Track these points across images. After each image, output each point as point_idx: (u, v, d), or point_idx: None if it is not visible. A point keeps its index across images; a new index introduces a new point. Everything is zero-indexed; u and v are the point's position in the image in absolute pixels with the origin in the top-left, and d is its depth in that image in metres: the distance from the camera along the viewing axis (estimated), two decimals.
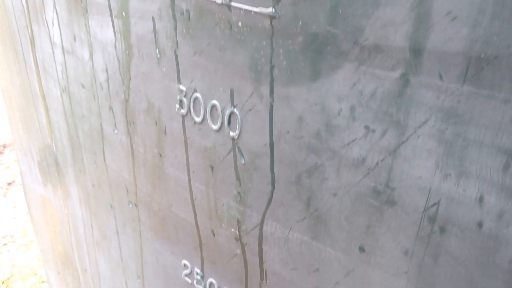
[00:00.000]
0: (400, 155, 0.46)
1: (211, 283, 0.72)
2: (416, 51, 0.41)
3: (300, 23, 0.47)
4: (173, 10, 0.57)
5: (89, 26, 0.72)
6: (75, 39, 0.77)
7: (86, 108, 0.81)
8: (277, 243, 0.61)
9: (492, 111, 0.39)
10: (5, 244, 3.29)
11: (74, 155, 0.93)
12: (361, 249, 0.53)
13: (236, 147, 0.59)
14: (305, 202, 0.55)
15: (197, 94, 0.59)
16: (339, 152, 0.50)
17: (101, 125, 0.80)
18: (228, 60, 0.54)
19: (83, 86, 0.79)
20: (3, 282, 2.96)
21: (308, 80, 0.49)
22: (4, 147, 4.43)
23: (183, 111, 0.62)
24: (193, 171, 0.66)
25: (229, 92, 0.56)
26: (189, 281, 0.76)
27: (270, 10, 0.48)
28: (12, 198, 3.77)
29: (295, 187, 0.55)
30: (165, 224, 0.75)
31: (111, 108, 0.75)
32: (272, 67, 0.51)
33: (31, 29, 0.91)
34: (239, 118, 0.56)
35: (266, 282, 0.64)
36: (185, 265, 0.75)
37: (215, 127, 0.59)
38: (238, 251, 0.66)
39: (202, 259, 0.72)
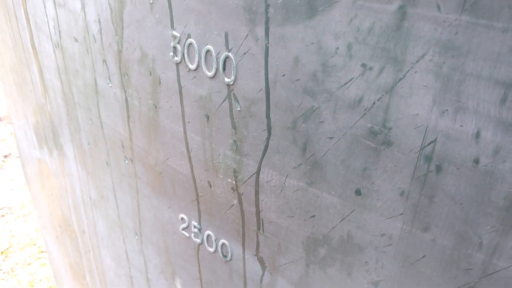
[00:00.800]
0: (397, 93, 0.45)
1: (208, 235, 0.73)
2: None
3: None
4: None
5: None
6: None
7: (80, 63, 0.80)
8: (273, 191, 0.61)
9: (490, 41, 0.39)
10: (3, 216, 3.30)
11: (69, 113, 0.92)
12: (357, 193, 0.53)
13: (232, 93, 0.58)
14: (301, 148, 0.55)
15: (191, 40, 0.58)
16: (335, 93, 0.49)
17: (95, 79, 0.79)
18: (222, 2, 0.53)
19: (76, 40, 0.78)
20: (2, 252, 2.99)
21: (304, 18, 0.48)
22: (0, 120, 4.40)
23: (177, 58, 0.61)
24: (189, 122, 0.65)
25: (223, 35, 0.55)
26: (187, 234, 0.77)
27: None
28: (9, 170, 3.77)
29: (291, 133, 0.55)
30: (162, 178, 0.75)
31: (104, 61, 0.74)
32: (267, 6, 0.50)
33: None
34: (234, 63, 0.55)
35: (263, 230, 0.64)
36: (182, 219, 0.76)
37: (209, 73, 0.58)
38: (235, 201, 0.66)
39: (199, 212, 0.72)
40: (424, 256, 0.51)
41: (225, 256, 0.72)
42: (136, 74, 0.69)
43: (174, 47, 0.60)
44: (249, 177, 0.62)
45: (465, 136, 0.43)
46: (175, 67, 0.62)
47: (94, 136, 0.87)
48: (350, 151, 0.51)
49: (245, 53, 0.54)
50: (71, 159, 1.01)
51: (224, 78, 0.57)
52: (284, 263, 0.64)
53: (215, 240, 0.72)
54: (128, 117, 0.75)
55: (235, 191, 0.65)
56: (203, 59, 0.58)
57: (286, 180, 0.58)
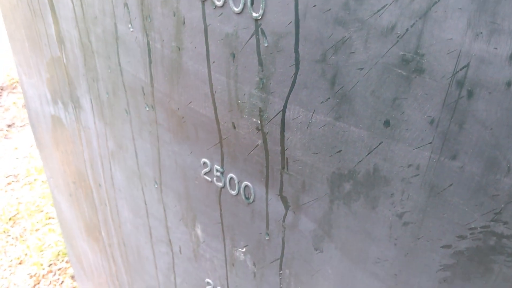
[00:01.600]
0: (431, 18, 0.45)
1: (231, 178, 0.74)
2: None
3: None
4: None
5: None
6: None
7: (99, 9, 0.80)
8: (299, 128, 0.61)
9: None
10: (9, 184, 3.33)
11: (87, 63, 0.92)
12: (386, 124, 0.53)
13: (259, 29, 0.58)
14: (330, 81, 0.55)
15: None
16: (367, 21, 0.49)
17: (115, 25, 0.78)
18: None
19: None
20: (10, 219, 3.03)
21: None
22: (2, 89, 4.39)
23: None
24: (213, 62, 0.65)
25: None
26: (209, 179, 0.78)
27: None
28: (13, 139, 3.78)
29: (320, 66, 0.55)
30: (184, 123, 0.76)
31: (125, 5, 0.73)
32: None
33: None
34: None
35: (287, 169, 0.66)
36: (204, 163, 0.77)
37: (237, 9, 0.59)
38: (260, 141, 0.67)
39: (222, 155, 0.73)
40: (451, 185, 0.52)
41: (247, 198, 0.74)
42: (159, 16, 0.69)
43: None
44: (275, 115, 0.63)
45: (498, 59, 0.44)
46: (200, 5, 0.62)
47: (113, 84, 0.87)
48: (380, 81, 0.52)
49: None
50: (88, 111, 1.02)
51: (252, 13, 0.57)
52: (308, 201, 0.66)
53: (238, 182, 0.73)
54: (150, 62, 0.75)
55: (260, 131, 0.66)
56: None
57: (313, 116, 0.59)
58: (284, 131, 0.63)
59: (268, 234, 0.74)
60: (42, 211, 3.08)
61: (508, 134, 0.46)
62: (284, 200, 0.69)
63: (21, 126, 3.93)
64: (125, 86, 0.84)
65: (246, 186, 0.73)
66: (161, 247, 1.00)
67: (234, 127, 0.69)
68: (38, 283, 2.58)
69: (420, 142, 0.52)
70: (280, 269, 0.76)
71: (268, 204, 0.71)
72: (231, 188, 0.75)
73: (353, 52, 0.52)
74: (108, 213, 1.16)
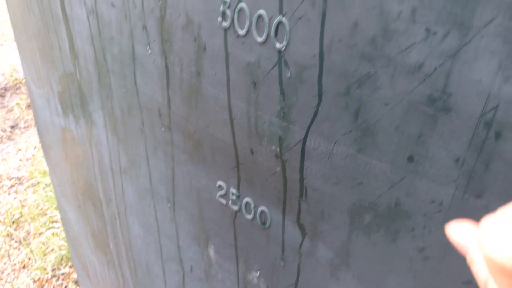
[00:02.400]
0: (460, 58, 0.45)
1: (247, 203, 0.74)
2: None
3: None
4: None
5: None
6: None
7: (117, 30, 0.80)
8: (320, 158, 0.61)
9: None
10: (12, 186, 3.33)
11: (101, 81, 0.92)
12: (410, 159, 0.53)
13: (282, 59, 0.58)
14: (353, 114, 0.55)
15: (243, 4, 0.58)
16: (395, 58, 0.49)
17: (132, 46, 0.78)
18: None
19: (113, 6, 0.78)
20: (13, 222, 3.03)
21: None
22: (5, 90, 4.39)
23: (226, 24, 0.61)
24: (234, 89, 0.65)
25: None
26: (224, 202, 0.78)
27: None
28: (16, 141, 3.78)
29: (344, 99, 0.55)
30: (201, 146, 0.76)
31: (144, 27, 0.73)
32: None
33: None
34: (287, 27, 0.55)
35: (306, 198, 0.65)
36: (220, 186, 0.76)
37: (260, 39, 0.58)
38: (278, 168, 0.66)
39: (238, 179, 0.73)
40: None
41: (263, 224, 0.73)
42: (179, 40, 0.68)
43: (223, 12, 0.60)
44: (295, 144, 0.62)
45: None
46: (222, 33, 0.62)
47: (128, 103, 0.87)
48: (405, 118, 0.51)
49: (300, 18, 0.54)
50: (100, 127, 1.01)
51: (275, 44, 0.57)
52: (326, 230, 0.65)
53: (254, 207, 0.73)
54: (168, 85, 0.75)
55: (279, 158, 0.65)
56: (254, 24, 0.58)
57: (335, 147, 0.59)
58: (303, 160, 0.63)
59: (283, 260, 0.74)
60: (45, 214, 3.08)
61: None
62: (301, 227, 0.68)
63: (24, 128, 3.93)
64: (141, 106, 0.84)
65: (262, 211, 0.72)
66: (172, 265, 1.00)
67: (252, 153, 0.68)
68: None
69: (444, 179, 0.52)
70: None
71: (284, 230, 0.71)
72: (246, 212, 0.75)
73: (378, 88, 0.52)
74: (118, 227, 1.16)
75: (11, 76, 4.59)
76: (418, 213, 0.55)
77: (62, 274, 2.66)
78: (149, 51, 0.75)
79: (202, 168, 0.78)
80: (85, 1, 0.84)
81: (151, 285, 1.13)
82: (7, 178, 3.42)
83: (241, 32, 0.60)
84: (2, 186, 3.35)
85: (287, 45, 0.56)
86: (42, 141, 1.55)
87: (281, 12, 0.55)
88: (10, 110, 4.19)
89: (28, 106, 4.15)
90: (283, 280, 0.76)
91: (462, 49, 0.45)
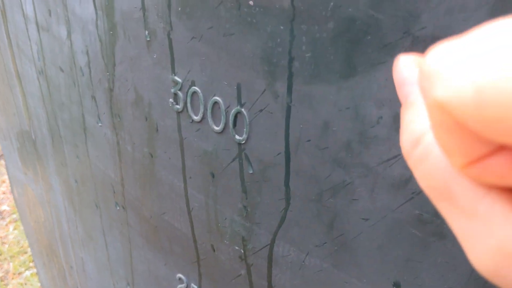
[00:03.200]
0: None
1: None
2: None
3: (331, 4, 0.36)
4: None
5: (66, 0, 0.60)
6: (50, 14, 0.65)
7: (66, 96, 0.70)
8: (290, 268, 0.51)
9: None
10: None
11: (55, 146, 0.82)
12: (396, 285, 0.43)
13: (243, 153, 0.48)
14: (327, 225, 0.45)
15: (196, 88, 0.48)
16: (375, 169, 0.39)
17: (83, 115, 0.69)
18: (235, 48, 0.43)
19: (62, 70, 0.68)
20: None
21: (338, 78, 0.38)
22: None
23: (178, 106, 0.51)
24: (190, 177, 0.55)
25: (235, 87, 0.45)
26: None
27: None
28: (1, 172, 3.66)
29: (316, 206, 0.45)
30: (158, 232, 0.65)
31: (93, 97, 0.64)
32: (291, 60, 0.40)
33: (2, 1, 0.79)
34: (247, 119, 0.46)
35: None
36: (180, 278, 0.66)
37: (217, 128, 0.49)
38: (243, 271, 0.56)
39: (200, 275, 0.62)
40: None
41: None
42: (130, 117, 0.59)
43: (175, 94, 0.51)
44: (261, 248, 0.52)
45: None
46: (175, 116, 0.52)
47: (81, 174, 0.77)
48: (389, 237, 0.41)
49: (261, 110, 0.44)
50: (57, 192, 0.91)
51: (234, 135, 0.47)
52: None
53: None
54: (120, 162, 0.65)
55: (243, 261, 0.55)
56: (209, 111, 0.48)
57: (306, 258, 0.48)
58: (271, 267, 0.52)
59: None
60: (26, 252, 2.94)
61: None
62: None
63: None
64: (94, 179, 0.74)
65: None
66: None
67: (214, 250, 0.58)
68: None
69: None
70: None
71: None
72: None
73: (355, 199, 0.42)
74: None
75: None
76: None
77: None
78: (100, 124, 0.65)
79: (161, 257, 0.67)
80: (34, 61, 0.75)
81: None
82: None
83: (196, 117, 0.50)
84: None
85: (247, 138, 0.47)
86: (12, 191, 1.45)
87: (239, 101, 0.45)
88: None
89: None
90: None
91: None
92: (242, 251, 0.55)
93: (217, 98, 0.47)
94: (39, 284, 2.66)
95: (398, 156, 0.37)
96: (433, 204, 0.18)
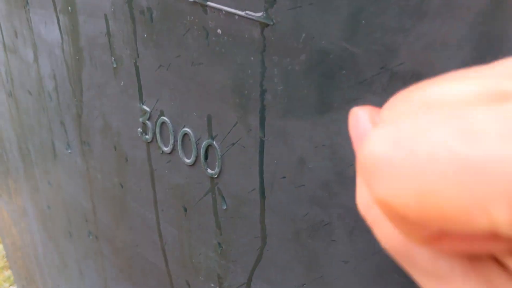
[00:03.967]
0: None
1: None
2: None
3: (303, 35, 0.33)
4: (130, 7, 0.43)
5: (31, 21, 0.57)
6: (16, 36, 0.61)
7: (35, 120, 0.67)
8: None
9: None
10: None
11: (26, 170, 0.79)
12: None
13: (216, 188, 0.45)
14: (305, 266, 0.42)
15: (165, 118, 0.45)
16: (354, 210, 0.36)
17: (52, 141, 0.65)
18: (204, 78, 0.40)
19: (30, 93, 0.65)
20: None
21: (313, 113, 0.35)
22: None
23: (148, 137, 0.48)
24: (162, 210, 0.52)
25: (205, 119, 0.42)
26: None
27: (260, 14, 0.34)
28: None
29: (293, 246, 0.42)
30: (132, 264, 0.62)
31: (62, 123, 0.60)
32: (263, 92, 0.37)
33: None
34: (219, 153, 0.43)
35: None
36: None
37: (188, 160, 0.46)
38: None
39: None
40: None
41: None
42: (99, 145, 0.55)
43: (144, 123, 0.47)
44: (238, 287, 0.49)
45: None
46: (145, 146, 0.49)
47: (54, 201, 0.74)
48: (371, 281, 0.38)
49: (233, 144, 0.41)
50: (31, 217, 0.87)
51: (206, 169, 0.44)
52: None
53: None
54: (91, 190, 0.62)
55: None
56: (179, 142, 0.45)
57: None
58: None
59: None
60: (10, 268, 2.87)
61: None
62: None
63: None
64: (67, 206, 0.70)
65: None
66: None
67: (189, 286, 0.55)
68: None
69: None
70: None
71: None
72: None
73: (334, 241, 0.39)
74: None
75: None
76: None
77: None
78: (69, 151, 0.62)
79: None
80: (3, 82, 0.71)
81: None
82: None
83: (165, 149, 0.47)
84: None
85: (220, 172, 0.44)
86: None
87: (210, 134, 0.42)
88: None
89: None
90: None
91: None
92: None
93: (187, 129, 0.44)
94: None
95: None
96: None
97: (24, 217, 0.92)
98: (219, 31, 0.37)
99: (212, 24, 0.37)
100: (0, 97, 0.75)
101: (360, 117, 0.20)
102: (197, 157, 0.45)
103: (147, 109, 0.46)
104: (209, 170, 0.44)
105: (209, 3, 0.37)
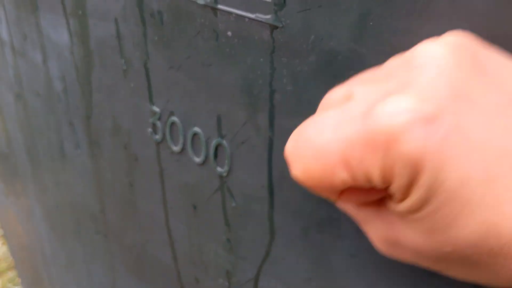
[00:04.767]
0: None
1: None
2: None
3: (312, 37, 0.34)
4: (140, 10, 0.44)
5: (40, 25, 0.58)
6: (25, 39, 0.63)
7: (44, 121, 0.68)
8: None
9: None
10: None
11: (34, 170, 0.80)
12: None
13: (225, 186, 0.46)
14: (313, 261, 0.43)
15: (175, 118, 0.46)
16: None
17: (61, 141, 0.66)
18: (214, 78, 0.42)
19: (39, 95, 0.66)
20: None
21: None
22: None
23: (158, 137, 0.49)
24: (171, 208, 0.53)
25: (215, 118, 0.43)
26: None
27: (270, 17, 0.35)
28: None
29: (301, 242, 0.43)
30: (140, 262, 0.63)
31: (71, 124, 0.61)
32: (272, 92, 0.38)
33: None
34: (228, 151, 0.44)
35: None
36: None
37: (197, 159, 0.47)
38: None
39: None
40: None
41: None
42: (108, 145, 0.57)
43: (154, 124, 0.49)
44: (246, 282, 0.50)
45: None
46: (154, 146, 0.50)
47: (62, 200, 0.75)
48: (379, 275, 0.40)
49: (242, 143, 0.42)
50: (39, 217, 0.88)
51: (215, 168, 0.46)
52: None
53: None
54: (100, 190, 0.63)
55: None
56: (189, 141, 0.46)
57: None
58: None
59: None
60: (14, 268, 2.88)
61: None
62: None
63: None
64: (75, 206, 0.72)
65: None
66: None
67: (198, 282, 0.56)
68: None
69: None
70: None
71: None
72: None
73: (342, 236, 0.40)
74: None
75: None
76: None
77: None
78: (78, 151, 0.63)
79: (145, 286, 0.65)
80: (12, 85, 0.73)
81: None
82: None
83: (175, 148, 0.48)
84: None
85: (229, 171, 0.45)
86: None
87: (219, 133, 0.43)
88: None
89: None
90: None
91: None
92: (227, 284, 0.52)
93: (197, 129, 0.45)
94: None
95: None
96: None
97: (31, 217, 0.93)
98: (229, 33, 0.38)
99: (222, 26, 0.39)
100: (8, 99, 0.77)
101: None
102: (206, 156, 0.46)
103: (157, 109, 0.47)
104: (218, 169, 0.45)
105: (219, 6, 0.38)
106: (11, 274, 2.83)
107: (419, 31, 0.29)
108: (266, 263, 0.47)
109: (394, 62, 0.25)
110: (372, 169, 0.20)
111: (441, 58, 0.21)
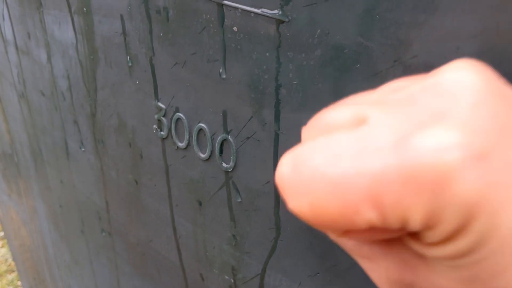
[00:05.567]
0: None
1: None
2: None
3: (318, 31, 0.34)
4: (146, 7, 0.44)
5: (44, 23, 0.58)
6: (29, 37, 0.63)
7: (48, 120, 0.68)
8: None
9: None
10: None
11: (38, 170, 0.80)
12: None
13: (231, 181, 0.46)
14: (319, 255, 0.43)
15: (180, 115, 0.47)
16: None
17: (65, 140, 0.66)
18: (219, 74, 0.42)
19: (43, 94, 0.66)
20: None
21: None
22: None
23: (163, 133, 0.49)
24: (177, 205, 0.53)
25: (220, 114, 0.43)
26: None
27: (276, 11, 0.36)
28: None
29: (307, 236, 0.43)
30: (145, 260, 0.63)
31: (76, 122, 0.62)
32: (278, 87, 0.38)
33: None
34: (234, 147, 0.44)
35: None
36: None
37: (203, 155, 0.47)
38: None
39: None
40: None
41: None
42: (113, 142, 0.57)
43: (159, 120, 0.49)
44: (252, 278, 0.50)
45: None
46: (160, 143, 0.50)
47: (66, 199, 0.75)
48: None
49: (248, 138, 0.43)
50: (42, 216, 0.89)
51: (221, 163, 0.46)
52: None
53: None
54: (105, 188, 0.63)
55: None
56: (194, 137, 0.47)
57: (299, 287, 0.47)
58: None
59: None
60: (13, 271, 2.88)
61: None
62: None
63: None
64: (79, 205, 0.72)
65: None
66: None
67: (203, 279, 0.56)
68: None
69: None
70: None
71: None
72: None
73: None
74: None
75: None
76: None
77: None
78: (83, 149, 0.63)
79: (149, 285, 0.65)
80: (15, 84, 0.73)
81: None
82: None
83: (181, 144, 0.48)
84: None
85: (235, 166, 0.45)
86: None
87: (225, 129, 0.44)
88: None
89: None
90: None
91: None
92: (232, 281, 0.53)
93: (202, 125, 0.45)
94: None
95: None
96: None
97: (34, 217, 0.93)
98: (235, 28, 0.39)
99: (228, 22, 0.39)
100: (12, 99, 0.77)
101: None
102: (212, 152, 0.46)
103: (163, 106, 0.48)
104: (224, 164, 0.46)
105: (225, 1, 0.38)
106: (10, 276, 2.84)
107: (425, 24, 0.29)
108: (272, 258, 0.48)
109: (414, 87, 0.21)
110: (413, 211, 0.17)
111: (474, 85, 0.18)
